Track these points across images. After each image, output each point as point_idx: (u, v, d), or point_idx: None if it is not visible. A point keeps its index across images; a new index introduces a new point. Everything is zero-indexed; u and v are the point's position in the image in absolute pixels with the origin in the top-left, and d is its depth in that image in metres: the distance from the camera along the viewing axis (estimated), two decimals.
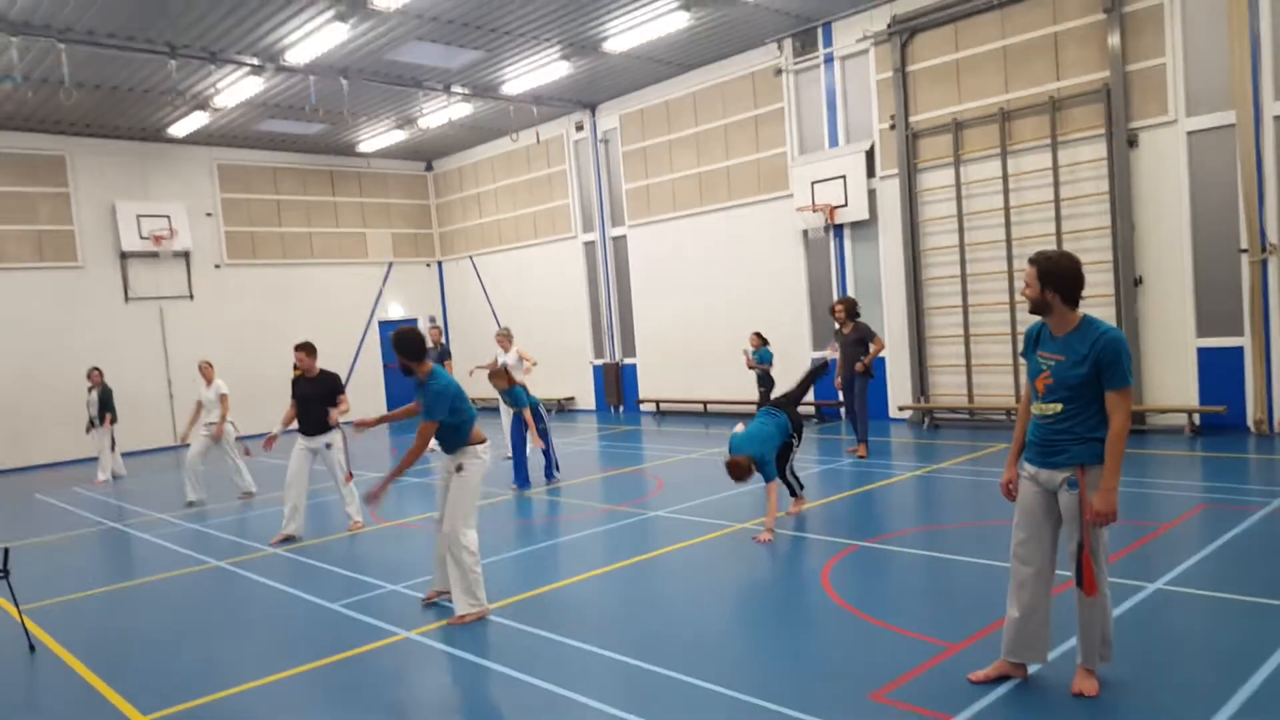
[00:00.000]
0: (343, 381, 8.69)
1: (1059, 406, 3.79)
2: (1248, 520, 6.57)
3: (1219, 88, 10.04)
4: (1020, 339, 11.58)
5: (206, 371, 10.96)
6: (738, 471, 7.05)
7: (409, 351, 5.67)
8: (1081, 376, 3.72)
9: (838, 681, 4.30)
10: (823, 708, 3.97)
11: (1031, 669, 4.12)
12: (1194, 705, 3.76)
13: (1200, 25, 10.11)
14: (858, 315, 10.79)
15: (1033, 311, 3.91)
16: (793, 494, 7.91)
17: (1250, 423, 10.25)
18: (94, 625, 6.27)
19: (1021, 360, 4.18)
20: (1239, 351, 10.29)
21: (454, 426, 5.66)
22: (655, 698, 4.28)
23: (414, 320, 20.63)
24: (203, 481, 10.85)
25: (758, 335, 12.63)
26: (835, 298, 13.81)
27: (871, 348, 10.54)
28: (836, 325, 10.84)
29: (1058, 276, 3.76)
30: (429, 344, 15.44)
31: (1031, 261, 3.86)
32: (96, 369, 13.41)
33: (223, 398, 10.76)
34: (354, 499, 8.60)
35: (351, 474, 8.66)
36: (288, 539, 8.23)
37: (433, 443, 5.72)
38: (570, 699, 4.32)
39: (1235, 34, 9.67)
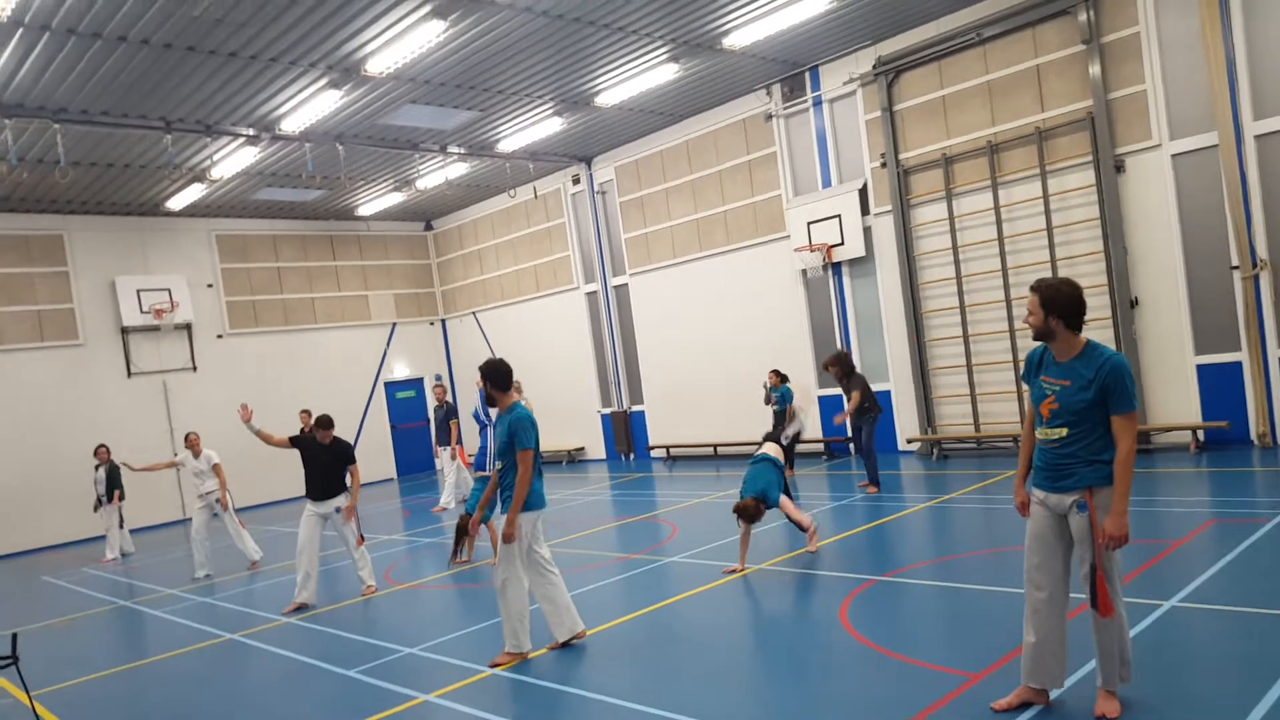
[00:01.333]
0: (352, 449, 8.69)
1: (1064, 431, 3.83)
2: (1258, 533, 6.58)
3: (1200, 110, 10.22)
4: (1022, 365, 11.69)
5: (195, 444, 10.98)
6: (747, 514, 7.35)
7: (498, 381, 5.91)
8: (1087, 401, 3.75)
9: (861, 717, 4.28)
10: None
11: (1053, 694, 4.09)
12: (1214, 717, 3.76)
13: (1177, 51, 10.33)
14: (853, 368, 11.12)
15: (1037, 339, 3.94)
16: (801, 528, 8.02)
17: (1254, 436, 10.26)
18: (106, 707, 6.15)
19: (1025, 384, 4.18)
20: (1238, 367, 10.34)
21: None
22: None
23: (420, 380, 20.69)
24: (209, 555, 10.74)
25: (775, 373, 12.54)
26: (837, 336, 13.93)
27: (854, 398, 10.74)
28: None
29: (1060, 303, 3.81)
30: (434, 403, 15.42)
31: (1033, 289, 3.90)
32: (103, 446, 13.36)
33: (216, 466, 10.76)
34: (366, 563, 8.53)
35: (363, 537, 8.62)
36: (301, 607, 8.15)
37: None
38: None
39: (1211, 58, 9.89)
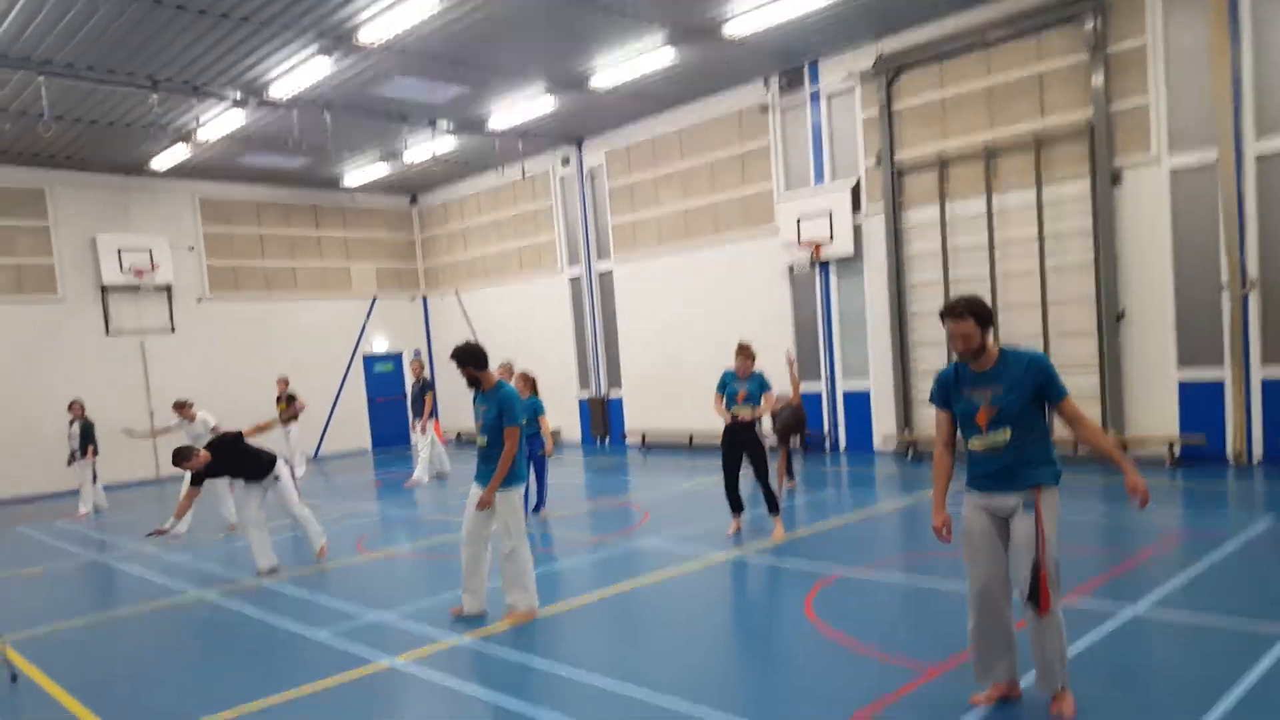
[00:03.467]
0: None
1: (1008, 433, 3.93)
2: (1223, 548, 6.67)
3: (1201, 126, 10.16)
4: None
5: (187, 412, 10.82)
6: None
7: (475, 361, 6.02)
8: (1026, 399, 3.92)
9: (820, 704, 4.36)
10: None
11: (1024, 684, 4.17)
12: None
13: (1183, 65, 10.26)
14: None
15: (969, 357, 4.01)
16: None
17: (1230, 454, 10.30)
18: (77, 655, 6.21)
19: (940, 408, 4.28)
20: (1219, 385, 10.36)
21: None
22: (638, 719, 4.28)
23: (399, 355, 20.52)
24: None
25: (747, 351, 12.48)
26: (820, 334, 13.89)
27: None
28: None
29: (988, 317, 3.96)
30: (412, 378, 15.34)
31: (957, 314, 3.95)
32: (77, 401, 13.23)
33: (215, 429, 10.56)
34: (311, 521, 8.47)
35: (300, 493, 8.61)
36: (274, 570, 8.10)
37: (439, 436, 6.08)
38: None
39: (1217, 73, 9.80)
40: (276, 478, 8.21)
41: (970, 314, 3.92)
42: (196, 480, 7.91)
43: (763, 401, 8.30)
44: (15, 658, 5.85)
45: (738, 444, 8.32)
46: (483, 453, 6.08)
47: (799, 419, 10.99)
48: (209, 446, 8.07)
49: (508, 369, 11.83)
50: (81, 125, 13.66)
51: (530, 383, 10.07)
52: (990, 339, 3.96)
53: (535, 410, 9.78)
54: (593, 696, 4.66)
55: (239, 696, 4.97)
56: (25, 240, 15.79)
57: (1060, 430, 11.19)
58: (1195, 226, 10.37)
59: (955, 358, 4.11)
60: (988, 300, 11.67)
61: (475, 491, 6.10)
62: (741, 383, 8.33)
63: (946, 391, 4.12)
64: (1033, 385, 3.89)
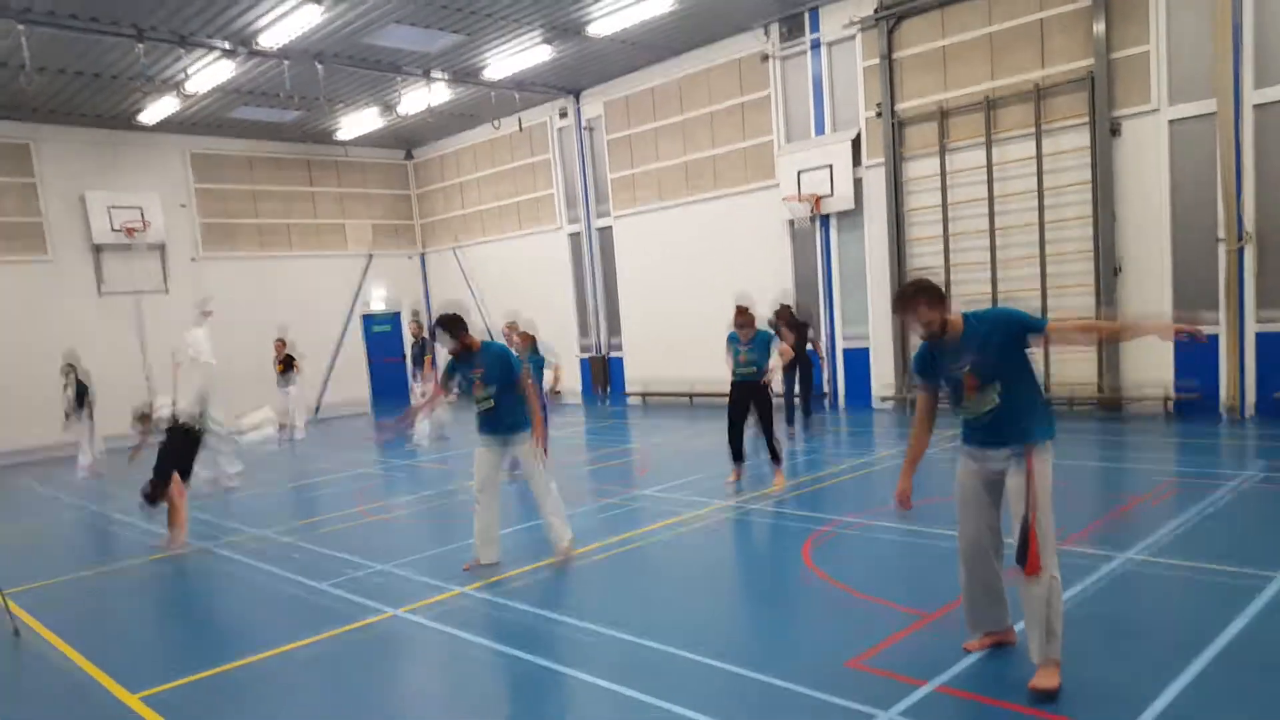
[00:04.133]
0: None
1: (995, 392, 3.85)
2: (1213, 495, 6.76)
3: (1201, 76, 10.06)
4: None
5: (147, 423, 10.83)
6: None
7: (455, 328, 6.19)
8: (1003, 356, 3.83)
9: (817, 651, 4.42)
10: (801, 675, 4.08)
11: (1019, 627, 4.14)
12: (1161, 666, 3.91)
13: (1184, 13, 10.12)
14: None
15: (933, 338, 3.94)
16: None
17: (1223, 407, 10.35)
18: (79, 608, 6.25)
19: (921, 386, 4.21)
20: (1214, 338, 10.36)
21: (517, 393, 6.23)
22: (641, 668, 4.35)
23: (398, 314, 20.41)
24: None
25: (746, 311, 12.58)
26: (820, 288, 13.83)
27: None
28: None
29: (940, 295, 3.89)
30: (411, 338, 15.29)
31: (909, 303, 3.87)
32: (71, 356, 13.11)
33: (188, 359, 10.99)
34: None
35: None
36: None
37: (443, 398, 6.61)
38: (562, 673, 4.39)
39: (1219, 22, 9.69)
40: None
41: (920, 298, 3.86)
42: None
43: (775, 356, 8.31)
44: (17, 610, 5.88)
45: (744, 396, 8.37)
46: (488, 410, 6.20)
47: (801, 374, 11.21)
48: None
49: (514, 327, 11.80)
50: (66, 77, 13.36)
51: (529, 340, 10.04)
52: (949, 313, 3.89)
53: (536, 365, 9.77)
54: (596, 644, 4.72)
55: (245, 647, 5.02)
56: (11, 197, 15.48)
57: (1060, 377, 11.26)
58: (1193, 179, 10.32)
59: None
60: (987, 253, 11.76)
61: (483, 449, 6.25)
62: (744, 346, 8.29)
63: (925, 368, 4.07)
64: (1003, 339, 3.81)
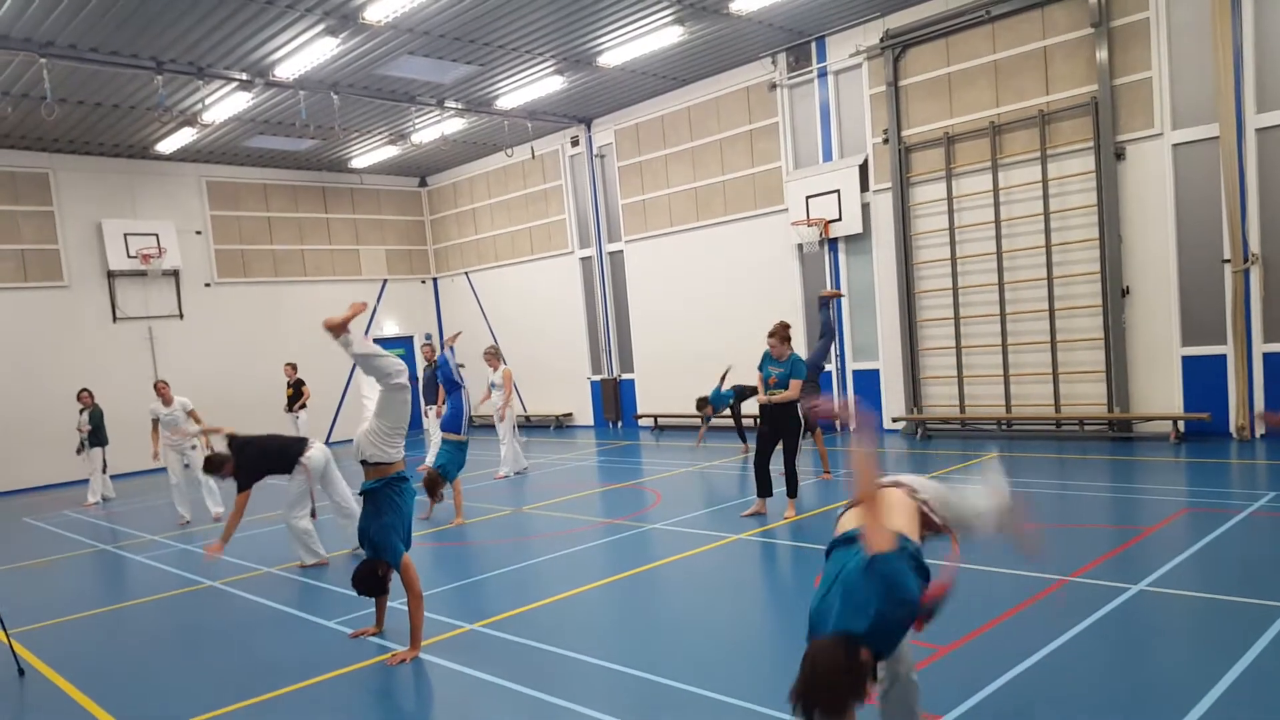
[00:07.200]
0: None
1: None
2: (1228, 523, 6.70)
3: (1204, 101, 10.16)
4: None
5: (164, 391, 11.01)
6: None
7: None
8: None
9: None
10: None
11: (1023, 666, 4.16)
12: (1175, 696, 3.88)
13: (1185, 39, 10.24)
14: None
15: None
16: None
17: (1233, 429, 10.35)
18: (85, 648, 6.15)
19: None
20: (1222, 360, 10.40)
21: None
22: (649, 703, 4.30)
23: (410, 338, 20.54)
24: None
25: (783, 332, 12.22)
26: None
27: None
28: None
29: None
30: (423, 363, 15.47)
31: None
32: (86, 390, 13.22)
33: (191, 413, 11.01)
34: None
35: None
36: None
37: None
38: (570, 709, 4.31)
39: (1219, 47, 9.81)
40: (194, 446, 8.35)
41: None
42: (242, 486, 7.40)
43: (791, 387, 8.04)
44: (22, 651, 5.79)
45: (772, 423, 8.22)
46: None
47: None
48: (232, 448, 7.62)
49: (493, 352, 12.21)
50: (85, 108, 13.62)
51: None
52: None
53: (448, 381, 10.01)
54: (606, 680, 4.69)
55: (252, 688, 4.95)
56: (30, 226, 15.70)
57: (1070, 397, 11.24)
58: (1198, 202, 10.39)
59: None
60: (994, 275, 11.83)
61: None
62: (776, 365, 8.13)
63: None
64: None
